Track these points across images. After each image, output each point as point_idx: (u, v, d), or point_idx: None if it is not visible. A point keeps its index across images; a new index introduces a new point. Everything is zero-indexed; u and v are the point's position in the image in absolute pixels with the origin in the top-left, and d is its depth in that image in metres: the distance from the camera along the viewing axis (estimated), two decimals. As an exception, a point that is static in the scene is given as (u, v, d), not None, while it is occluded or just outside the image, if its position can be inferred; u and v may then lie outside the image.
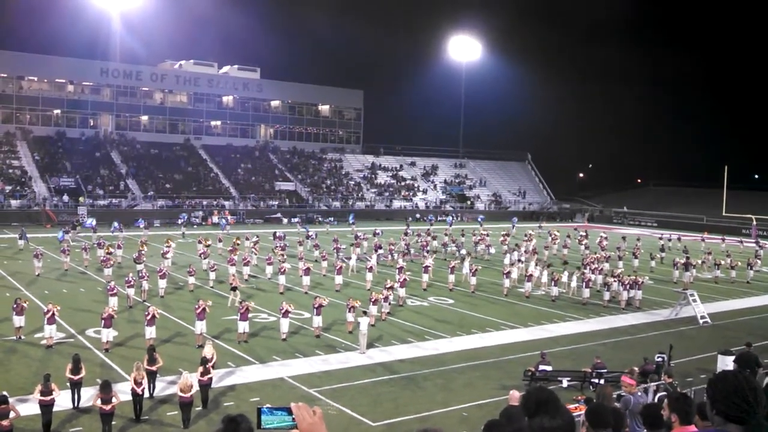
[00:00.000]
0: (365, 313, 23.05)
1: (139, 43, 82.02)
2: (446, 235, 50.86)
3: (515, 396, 12.62)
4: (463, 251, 45.08)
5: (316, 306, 23.54)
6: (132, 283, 27.65)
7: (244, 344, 22.17)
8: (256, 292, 31.09)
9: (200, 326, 21.92)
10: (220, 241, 44.28)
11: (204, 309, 22.00)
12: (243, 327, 22.40)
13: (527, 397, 3.70)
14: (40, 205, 60.04)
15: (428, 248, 44.20)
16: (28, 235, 43.41)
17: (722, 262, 41.02)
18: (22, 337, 21.92)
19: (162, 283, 29.62)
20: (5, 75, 73.49)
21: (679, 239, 56.24)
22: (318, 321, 23.52)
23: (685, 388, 15.74)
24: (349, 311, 23.94)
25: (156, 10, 79.70)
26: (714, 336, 25.91)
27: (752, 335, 24.26)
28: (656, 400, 14.62)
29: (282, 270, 31.92)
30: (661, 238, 55.63)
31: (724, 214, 65.81)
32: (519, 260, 39.15)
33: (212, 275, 32.60)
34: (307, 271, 32.09)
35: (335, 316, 25.75)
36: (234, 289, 27.63)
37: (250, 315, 23.10)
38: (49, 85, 76.23)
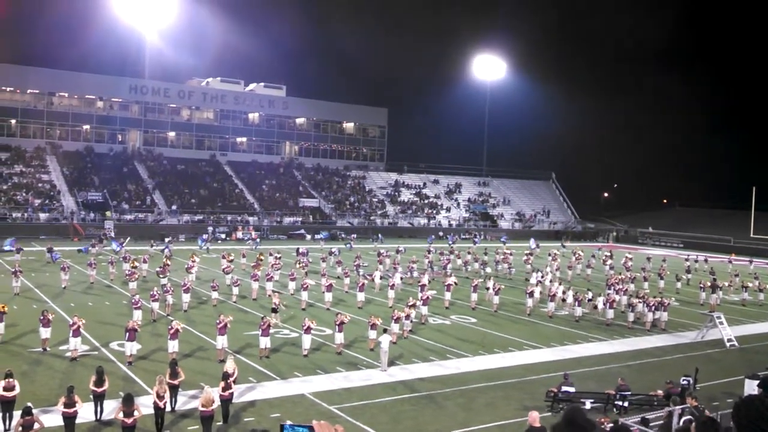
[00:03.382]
0: (386, 330, 22.98)
1: (168, 61, 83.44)
2: (469, 253, 50.69)
3: (535, 417, 12.53)
4: (488, 269, 44.97)
5: (338, 323, 23.55)
6: (156, 297, 27.97)
7: (266, 360, 22.21)
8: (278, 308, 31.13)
9: (221, 341, 22.03)
10: (243, 256, 44.60)
11: (225, 324, 22.10)
12: (264, 343, 22.48)
13: (572, 420, 3.58)
14: (68, 219, 60.92)
15: (450, 266, 44.17)
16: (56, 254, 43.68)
17: (750, 285, 40.39)
18: (48, 348, 22.18)
19: (186, 298, 29.91)
20: (37, 91, 74.99)
21: (705, 260, 55.51)
22: (340, 338, 23.51)
23: (711, 413, 15.47)
24: (371, 329, 23.91)
25: (184, 28, 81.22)
26: (741, 360, 25.45)
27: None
28: (681, 423, 14.39)
29: (305, 286, 32.01)
30: (687, 260, 54.97)
31: (752, 235, 64.85)
32: (540, 280, 38.87)
33: (235, 290, 32.77)
34: (330, 288, 32.11)
35: (357, 333, 25.73)
36: (274, 311, 27.46)
37: (271, 330, 23.16)
38: (79, 101, 77.60)
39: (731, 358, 25.93)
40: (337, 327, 23.51)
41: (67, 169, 69.33)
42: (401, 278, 37.98)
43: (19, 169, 66.80)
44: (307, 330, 22.97)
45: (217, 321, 22.51)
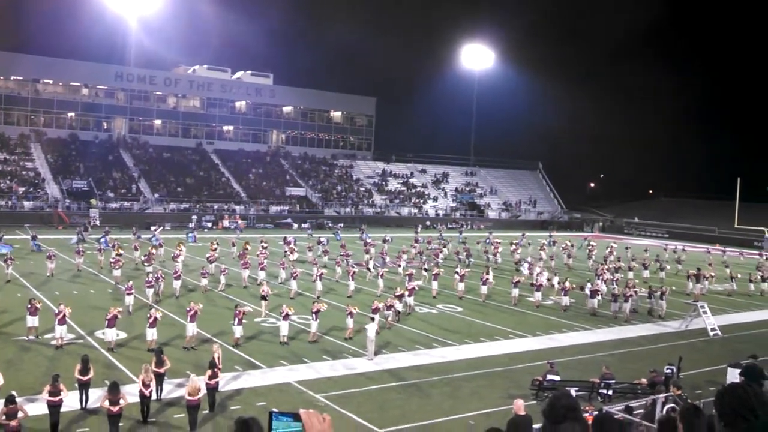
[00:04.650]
0: (373, 319, 23.00)
1: (154, 48, 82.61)
2: (450, 242, 50.89)
3: (519, 405, 12.60)
4: (472, 259, 45.00)
5: (314, 311, 23.56)
6: (152, 283, 28.45)
7: (251, 348, 22.23)
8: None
9: (191, 328, 22.14)
10: (233, 245, 44.49)
11: (196, 312, 22.17)
12: (239, 331, 22.50)
13: (555, 402, 3.60)
14: (52, 207, 60.43)
15: (440, 256, 44.31)
16: (38, 243, 43.29)
17: (738, 275, 40.67)
18: (31, 337, 22.01)
19: (176, 284, 30.26)
20: (21, 78, 74.21)
21: (683, 250, 55.92)
22: (315, 326, 23.51)
23: (694, 401, 15.64)
24: (349, 317, 23.93)
25: (171, 15, 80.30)
26: (724, 348, 25.72)
27: (762, 348, 24.07)
28: (664, 411, 14.54)
29: (294, 275, 31.99)
30: (665, 249, 55.49)
31: (736, 226, 65.46)
32: (530, 272, 39.10)
33: (222, 279, 32.73)
34: (320, 277, 32.15)
35: (343, 321, 25.68)
36: (264, 298, 27.27)
37: (258, 319, 23.15)
38: (64, 89, 76.86)
39: (714, 347, 26.21)
40: (313, 315, 23.49)
41: (51, 157, 68.70)
42: (401, 266, 37.96)
43: (2, 157, 66.10)
44: (286, 317, 23.00)
45: (188, 308, 22.62)
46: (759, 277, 40.79)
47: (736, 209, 64.76)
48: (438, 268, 36.43)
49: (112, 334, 21.27)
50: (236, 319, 22.49)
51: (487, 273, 34.57)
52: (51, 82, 76.30)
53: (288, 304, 24.86)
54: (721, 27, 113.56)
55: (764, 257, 54.96)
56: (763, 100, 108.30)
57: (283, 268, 35.12)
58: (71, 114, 76.59)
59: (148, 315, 21.85)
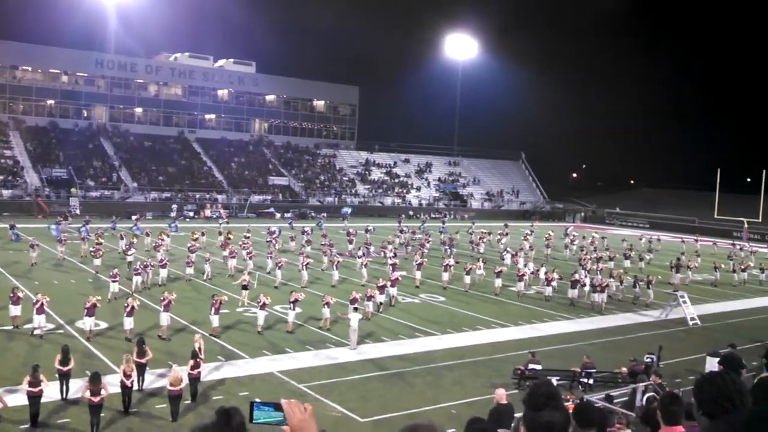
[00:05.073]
0: (356, 309, 23.00)
1: (135, 35, 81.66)
2: (427, 235, 51.05)
3: (501, 394, 12.68)
4: (454, 249, 45.07)
5: (291, 300, 23.51)
6: (139, 271, 28.53)
7: (233, 338, 22.16)
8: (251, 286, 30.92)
9: (165, 318, 22.05)
10: (220, 234, 44.29)
11: (169, 302, 22.07)
12: (216, 321, 22.42)
13: (536, 390, 3.61)
14: (31, 196, 59.76)
15: (426, 246, 44.36)
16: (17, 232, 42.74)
17: (722, 266, 41.02)
18: (17, 326, 21.82)
19: (163, 273, 30.30)
20: (-1, 64, 73.16)
21: (658, 240, 56.42)
22: (292, 316, 23.49)
23: (673, 389, 15.80)
24: (325, 307, 23.91)
25: (152, 2, 79.39)
26: (703, 338, 26.00)
27: (741, 337, 24.40)
28: (644, 400, 14.70)
29: (279, 264, 31.88)
30: (641, 239, 55.99)
31: (715, 216, 66.13)
32: (514, 262, 39.27)
33: (208, 267, 32.57)
34: (306, 266, 32.10)
35: (331, 311, 25.61)
36: (245, 287, 27.18)
37: (240, 309, 23.06)
38: (43, 76, 75.84)
39: (694, 336, 26.48)
40: (291, 305, 23.44)
41: (30, 145, 67.87)
42: (389, 256, 37.86)
43: (-20, 145, 65.25)
44: (263, 306, 22.96)
45: (161, 298, 22.52)
46: (740, 267, 41.24)
47: (716, 200, 65.41)
48: (422, 258, 36.45)
49: (90, 323, 21.13)
50: (213, 309, 22.41)
51: (477, 263, 34.65)
52: (30, 69, 75.26)
53: (265, 293, 24.77)
54: (703, 18, 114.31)
55: (738, 247, 55.40)
56: (744, 91, 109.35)
57: (270, 258, 35.02)
58: (51, 101, 75.66)
59: (126, 304, 21.72)
